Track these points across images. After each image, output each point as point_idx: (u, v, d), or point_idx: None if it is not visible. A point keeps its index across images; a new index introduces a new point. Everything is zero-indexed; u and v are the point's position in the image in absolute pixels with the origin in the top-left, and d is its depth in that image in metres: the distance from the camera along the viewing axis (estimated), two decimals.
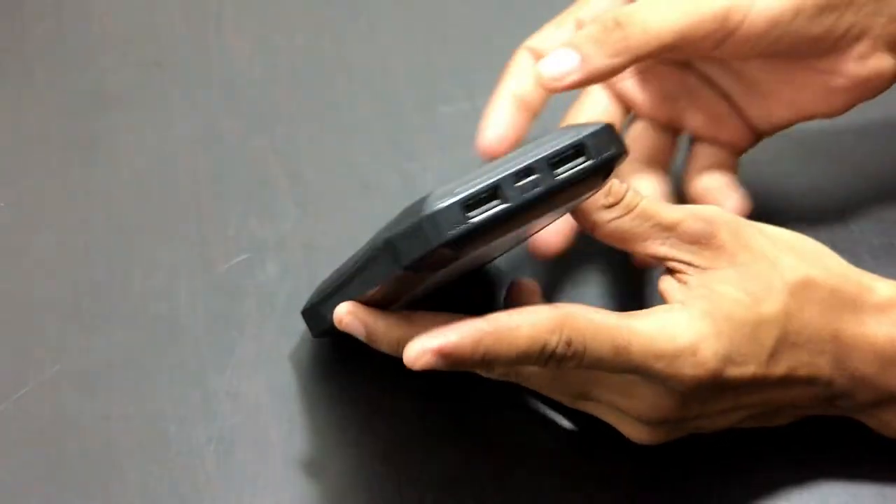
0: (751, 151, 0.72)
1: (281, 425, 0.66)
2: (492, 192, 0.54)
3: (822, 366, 0.59)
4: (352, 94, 0.82)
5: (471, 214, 0.54)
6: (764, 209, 0.73)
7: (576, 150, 0.56)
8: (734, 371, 0.58)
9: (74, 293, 0.72)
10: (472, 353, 0.55)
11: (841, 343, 0.59)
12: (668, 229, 0.59)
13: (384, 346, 0.58)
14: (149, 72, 0.84)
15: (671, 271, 0.60)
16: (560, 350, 0.56)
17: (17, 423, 0.66)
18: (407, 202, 0.75)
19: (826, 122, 0.75)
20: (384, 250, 0.55)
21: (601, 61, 0.62)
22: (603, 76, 0.63)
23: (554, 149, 0.55)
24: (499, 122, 0.67)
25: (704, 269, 0.59)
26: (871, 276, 0.61)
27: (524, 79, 0.68)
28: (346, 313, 0.58)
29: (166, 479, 0.64)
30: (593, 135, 0.56)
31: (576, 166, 0.56)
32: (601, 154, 0.56)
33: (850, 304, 0.59)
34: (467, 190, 0.54)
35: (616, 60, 0.62)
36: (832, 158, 0.76)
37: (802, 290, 0.59)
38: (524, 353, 0.56)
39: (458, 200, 0.54)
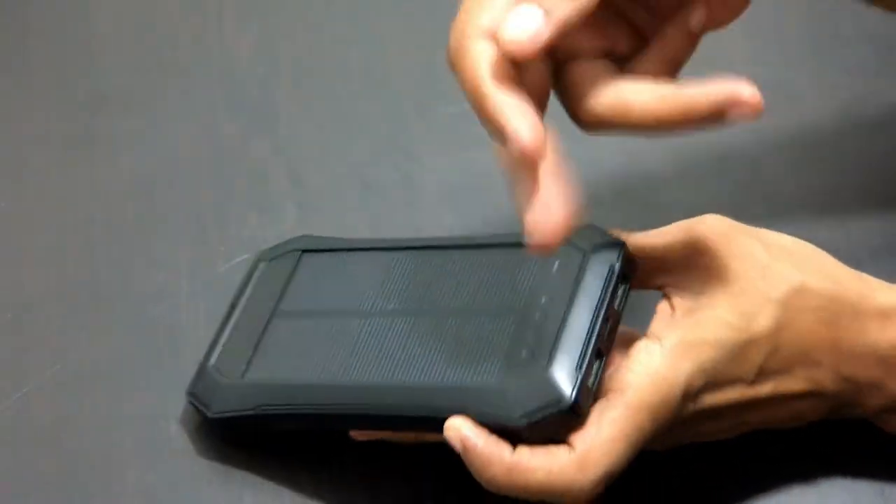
0: (750, 153, 0.72)
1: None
2: (597, 355, 0.57)
3: (819, 378, 0.59)
4: (352, 94, 0.82)
5: (590, 384, 0.57)
6: (764, 210, 0.73)
7: (623, 278, 0.59)
8: (717, 397, 0.58)
9: (74, 293, 0.72)
10: (479, 470, 0.56)
11: (841, 352, 0.59)
12: (658, 260, 0.60)
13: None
14: (149, 72, 0.84)
15: (667, 296, 0.60)
16: (583, 499, 0.56)
17: (17, 423, 0.66)
18: (407, 202, 0.75)
19: (826, 124, 0.76)
20: (499, 426, 0.57)
21: (567, 8, 0.54)
22: (571, 25, 0.55)
23: (605, 285, 0.59)
24: (528, 122, 0.54)
25: (698, 293, 0.59)
26: (871, 283, 0.60)
27: (503, 66, 0.55)
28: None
29: (166, 479, 0.64)
30: (627, 260, 0.60)
31: (623, 292, 0.59)
32: (634, 272, 0.60)
33: (850, 310, 0.59)
34: (583, 363, 0.57)
35: (583, 3, 0.55)
36: (832, 159, 0.76)
37: (797, 297, 0.58)
38: (535, 494, 0.56)
39: (583, 377, 0.56)
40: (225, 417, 0.63)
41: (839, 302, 0.59)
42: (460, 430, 0.57)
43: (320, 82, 0.83)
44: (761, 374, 0.58)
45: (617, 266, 0.59)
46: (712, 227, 0.59)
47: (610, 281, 0.59)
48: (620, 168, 0.76)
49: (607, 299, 0.58)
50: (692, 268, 0.59)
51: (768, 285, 0.58)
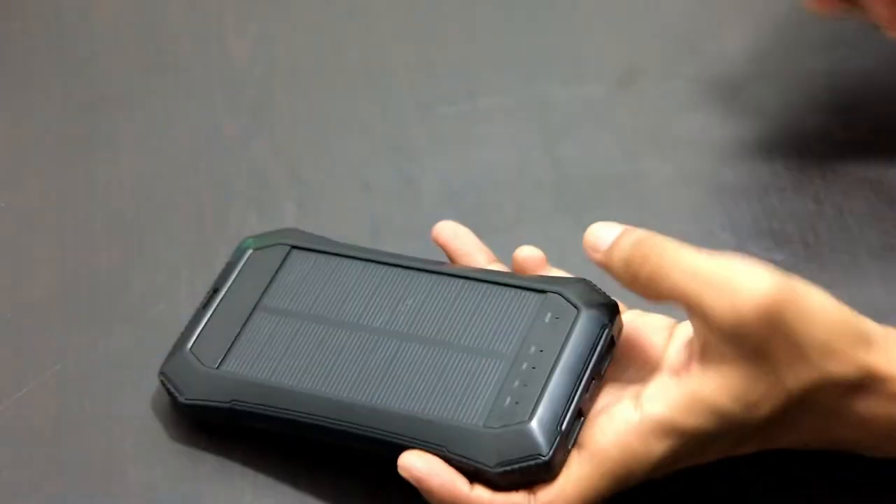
0: (750, 153, 0.71)
1: None
2: (577, 415, 0.58)
3: (806, 441, 0.59)
4: (352, 94, 0.82)
5: (568, 442, 0.57)
6: (764, 211, 0.73)
7: (612, 341, 0.60)
8: (694, 461, 0.58)
9: (74, 293, 0.72)
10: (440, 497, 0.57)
11: (833, 430, 0.58)
12: (693, 276, 0.57)
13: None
14: (149, 72, 0.84)
15: (694, 327, 0.57)
16: None
17: (17, 423, 0.66)
18: (407, 202, 0.76)
19: (825, 124, 0.76)
20: (475, 468, 0.57)
21: None
22: None
23: (595, 346, 0.59)
24: None
25: (723, 342, 0.55)
26: (888, 361, 0.57)
27: None
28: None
29: (166, 479, 0.64)
30: (618, 323, 0.60)
31: (610, 353, 0.60)
32: (617, 329, 0.60)
33: (861, 390, 0.56)
34: (564, 420, 0.57)
35: None
36: (832, 160, 0.76)
37: (814, 392, 0.56)
38: None
39: (562, 436, 0.57)
40: (196, 405, 0.63)
41: (854, 390, 0.56)
42: (412, 468, 0.57)
43: (320, 82, 0.83)
44: (745, 439, 0.58)
45: (608, 328, 0.60)
46: (757, 289, 0.55)
47: (599, 341, 0.59)
48: (620, 168, 0.76)
49: (595, 359, 0.59)
50: (724, 309, 0.55)
51: (791, 374, 0.56)
